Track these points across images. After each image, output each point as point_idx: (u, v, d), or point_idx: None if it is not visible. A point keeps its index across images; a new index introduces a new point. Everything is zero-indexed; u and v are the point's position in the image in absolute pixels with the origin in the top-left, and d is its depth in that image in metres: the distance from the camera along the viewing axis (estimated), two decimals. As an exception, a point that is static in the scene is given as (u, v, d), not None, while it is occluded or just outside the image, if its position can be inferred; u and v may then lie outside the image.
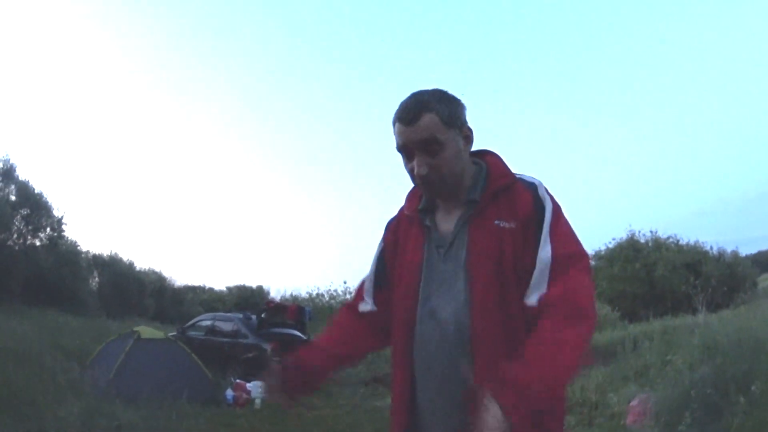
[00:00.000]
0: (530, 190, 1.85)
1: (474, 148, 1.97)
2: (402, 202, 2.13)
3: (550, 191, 1.88)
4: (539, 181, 1.90)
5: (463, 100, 1.92)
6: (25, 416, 6.64)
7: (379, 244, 2.17)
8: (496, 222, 1.80)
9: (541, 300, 1.72)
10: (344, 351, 2.12)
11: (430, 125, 1.80)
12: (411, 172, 1.88)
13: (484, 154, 2.00)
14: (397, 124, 1.86)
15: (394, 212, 2.17)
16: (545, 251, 1.75)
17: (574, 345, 1.63)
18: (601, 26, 55.42)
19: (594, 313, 1.71)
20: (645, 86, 56.25)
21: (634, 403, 7.63)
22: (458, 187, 1.89)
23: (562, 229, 1.81)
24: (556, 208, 1.84)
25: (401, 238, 2.05)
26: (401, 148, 1.88)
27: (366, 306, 2.14)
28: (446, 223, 1.93)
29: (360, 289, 2.21)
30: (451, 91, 1.91)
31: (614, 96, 57.00)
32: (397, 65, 59.79)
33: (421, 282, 1.91)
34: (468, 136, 1.90)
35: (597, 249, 31.72)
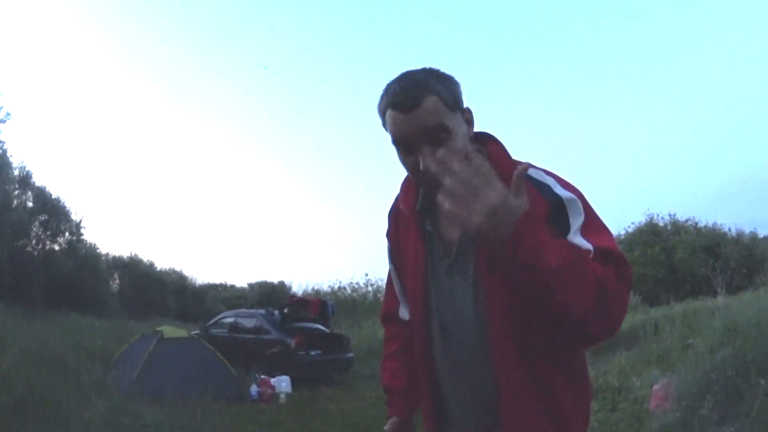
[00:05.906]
0: (533, 185, 1.51)
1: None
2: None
3: (561, 178, 1.58)
4: (543, 172, 1.58)
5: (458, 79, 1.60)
6: (50, 417, 6.66)
7: (386, 237, 1.97)
8: None
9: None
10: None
11: (436, 109, 1.49)
12: (414, 168, 1.57)
13: (486, 141, 1.68)
14: (391, 113, 1.54)
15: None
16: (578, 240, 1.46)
17: (601, 276, 1.31)
18: (612, 6, 54.88)
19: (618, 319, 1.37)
20: (662, 64, 55.52)
21: (656, 387, 7.62)
22: None
23: (594, 225, 1.51)
24: (580, 196, 1.53)
25: (401, 236, 1.85)
26: (400, 141, 1.56)
27: (406, 312, 1.94)
28: (450, 228, 1.68)
29: (389, 290, 2.08)
30: (442, 69, 1.60)
31: (629, 75, 56.36)
32: (411, 53, 59.33)
33: (429, 294, 1.73)
34: (469, 120, 1.62)
35: (616, 234, 31.74)
